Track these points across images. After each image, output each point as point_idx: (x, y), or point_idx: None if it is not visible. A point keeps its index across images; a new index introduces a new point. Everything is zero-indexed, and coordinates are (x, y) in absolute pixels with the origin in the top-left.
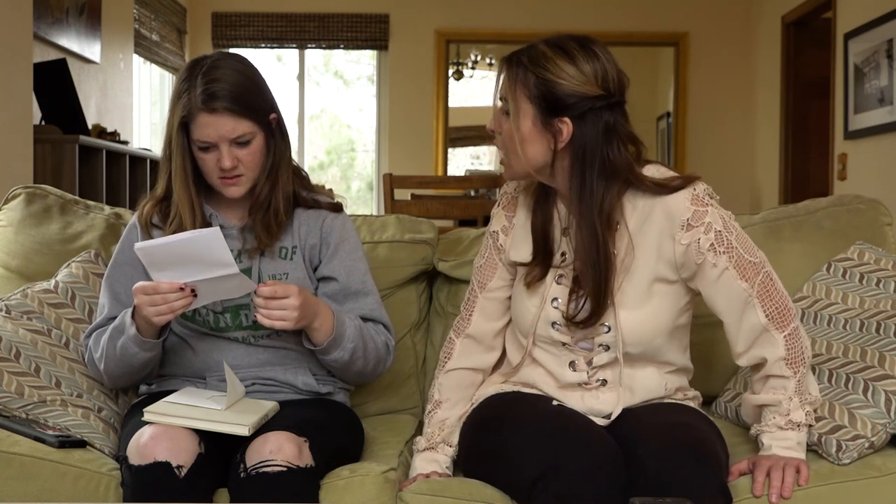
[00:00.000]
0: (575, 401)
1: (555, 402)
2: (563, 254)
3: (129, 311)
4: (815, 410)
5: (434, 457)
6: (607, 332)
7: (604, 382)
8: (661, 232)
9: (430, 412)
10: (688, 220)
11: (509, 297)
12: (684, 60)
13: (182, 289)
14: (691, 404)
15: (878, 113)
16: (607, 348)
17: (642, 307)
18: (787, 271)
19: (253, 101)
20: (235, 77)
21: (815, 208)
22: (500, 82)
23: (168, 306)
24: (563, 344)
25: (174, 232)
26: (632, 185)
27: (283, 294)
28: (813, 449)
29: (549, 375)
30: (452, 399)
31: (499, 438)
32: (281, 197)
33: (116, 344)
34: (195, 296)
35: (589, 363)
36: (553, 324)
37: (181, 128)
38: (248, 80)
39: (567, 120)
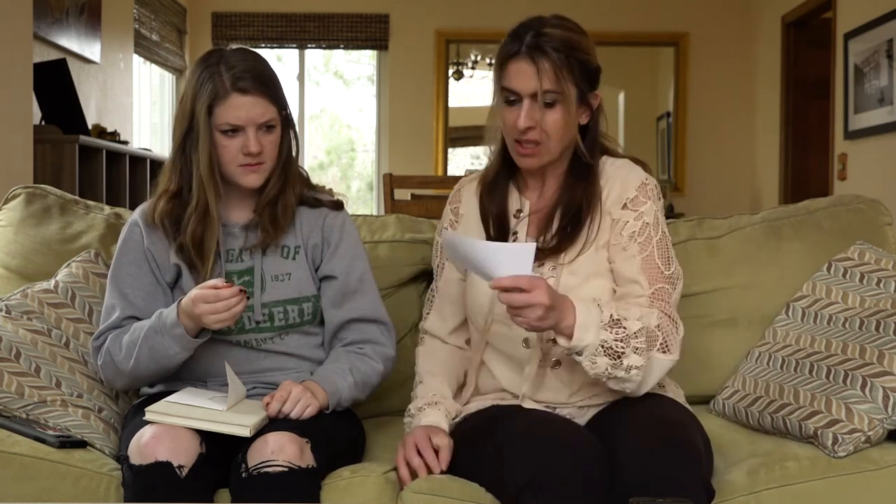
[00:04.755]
0: (536, 402)
1: (525, 404)
2: (517, 210)
3: (173, 311)
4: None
5: (428, 412)
6: None
7: (557, 363)
8: (613, 203)
9: (413, 390)
10: (628, 199)
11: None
12: (684, 60)
13: (243, 291)
14: (668, 393)
15: (878, 113)
16: None
17: (586, 273)
18: (787, 271)
19: (275, 88)
20: (256, 65)
21: (815, 208)
22: (541, 77)
23: (230, 312)
24: None
25: (194, 229)
26: (606, 150)
27: (286, 396)
28: (809, 442)
29: (507, 363)
30: (433, 370)
31: (484, 449)
32: (291, 192)
33: (153, 344)
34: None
35: (540, 339)
36: None
37: (207, 111)
38: (267, 70)
39: (597, 93)
